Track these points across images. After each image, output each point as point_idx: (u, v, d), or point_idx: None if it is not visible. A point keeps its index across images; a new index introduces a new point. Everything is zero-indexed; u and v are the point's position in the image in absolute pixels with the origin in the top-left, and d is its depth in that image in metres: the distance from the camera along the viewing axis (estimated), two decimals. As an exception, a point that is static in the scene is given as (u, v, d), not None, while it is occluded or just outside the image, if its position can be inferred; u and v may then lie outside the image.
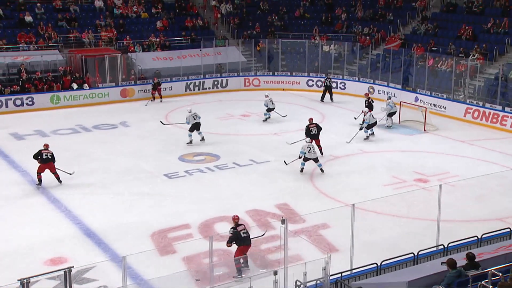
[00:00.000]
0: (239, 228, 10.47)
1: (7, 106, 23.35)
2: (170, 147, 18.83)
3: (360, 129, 19.36)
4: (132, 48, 28.10)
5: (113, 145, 19.11)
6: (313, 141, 17.11)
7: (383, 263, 9.78)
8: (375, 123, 19.47)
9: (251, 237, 10.57)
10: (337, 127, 21.09)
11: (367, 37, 29.42)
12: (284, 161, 16.74)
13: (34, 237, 12.24)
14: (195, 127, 18.84)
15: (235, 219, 10.81)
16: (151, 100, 25.46)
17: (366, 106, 20.61)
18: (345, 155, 18.00)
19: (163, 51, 28.63)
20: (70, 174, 15.62)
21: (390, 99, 21.26)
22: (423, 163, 17.19)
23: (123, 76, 26.55)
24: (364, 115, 19.51)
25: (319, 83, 27.67)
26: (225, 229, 12.60)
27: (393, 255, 10.08)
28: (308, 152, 15.80)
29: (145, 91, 26.36)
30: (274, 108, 22.00)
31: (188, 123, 18.89)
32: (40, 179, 15.04)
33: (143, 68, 27.35)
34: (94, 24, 28.83)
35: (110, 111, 23.96)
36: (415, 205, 13.45)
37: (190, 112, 18.91)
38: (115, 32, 28.63)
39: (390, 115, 20.98)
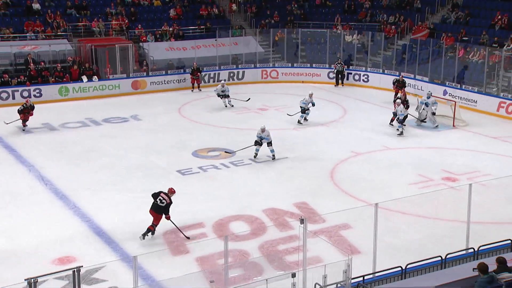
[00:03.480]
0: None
1: (13, 98, 23.61)
2: (184, 142, 18.92)
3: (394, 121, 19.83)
4: (144, 38, 28.24)
5: (123, 140, 19.25)
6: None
7: (408, 266, 9.71)
8: (406, 116, 19.68)
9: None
10: (360, 122, 20.96)
11: (393, 27, 29.18)
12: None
13: (42, 235, 12.37)
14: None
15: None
16: (192, 90, 25.81)
17: (403, 102, 20.35)
18: (367, 152, 17.91)
19: (176, 41, 28.73)
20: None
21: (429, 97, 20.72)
22: (452, 160, 17.03)
23: (135, 67, 26.71)
24: (396, 107, 19.78)
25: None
26: (241, 228, 12.66)
27: (419, 258, 10.01)
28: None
29: (158, 82, 26.51)
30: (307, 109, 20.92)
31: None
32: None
33: (155, 58, 27.47)
34: (105, 13, 29.03)
35: (121, 103, 24.13)
36: (443, 205, 13.33)
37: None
38: (126, 21, 28.80)
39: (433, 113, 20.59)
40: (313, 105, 20.88)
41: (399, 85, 23.69)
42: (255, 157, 17.02)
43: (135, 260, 8.03)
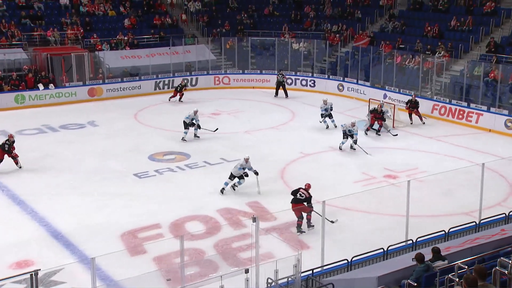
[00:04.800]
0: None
1: (-31, 106, 22.71)
2: (140, 146, 18.64)
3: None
4: (99, 47, 27.68)
5: (81, 145, 18.80)
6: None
7: (353, 259, 9.90)
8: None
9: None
10: (307, 125, 21.19)
11: (336, 35, 29.68)
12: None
13: (-1, 240, 11.94)
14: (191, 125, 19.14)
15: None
16: (177, 99, 25.00)
17: (376, 116, 19.93)
18: (315, 153, 18.12)
19: (131, 50, 28.31)
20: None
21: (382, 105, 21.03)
22: (392, 159, 17.44)
23: (91, 75, 26.14)
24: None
25: (289, 81, 27.81)
26: (196, 228, 12.57)
27: (364, 250, 10.22)
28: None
29: (114, 90, 26.06)
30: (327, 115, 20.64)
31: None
32: None
33: (111, 66, 26.99)
34: (60, 22, 28.29)
35: (78, 110, 23.56)
36: (384, 201, 13.64)
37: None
38: (81, 30, 28.15)
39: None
40: (331, 109, 20.72)
41: (412, 105, 21.27)
42: (234, 189, 14.72)
43: (93, 262, 7.86)
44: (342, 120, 20.80)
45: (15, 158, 16.15)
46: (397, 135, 20.00)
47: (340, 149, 18.11)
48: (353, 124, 17.91)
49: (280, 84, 26.00)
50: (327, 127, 20.75)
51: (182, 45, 28.51)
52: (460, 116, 21.84)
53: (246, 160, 14.38)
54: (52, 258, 11.13)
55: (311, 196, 12.44)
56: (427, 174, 15.37)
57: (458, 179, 14.85)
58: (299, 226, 12.35)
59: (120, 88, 26.34)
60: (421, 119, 21.29)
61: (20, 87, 24.18)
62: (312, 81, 27.89)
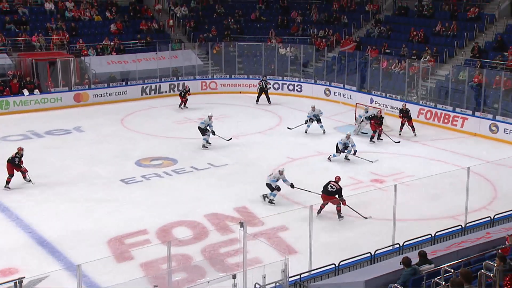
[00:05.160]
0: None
1: (-48, 112, 22.44)
2: (127, 152, 18.55)
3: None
4: (85, 52, 27.52)
5: (67, 151, 18.66)
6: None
7: (341, 263, 9.92)
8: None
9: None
10: (294, 130, 21.23)
11: (323, 40, 29.83)
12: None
13: (-17, 248, 11.79)
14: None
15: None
16: (181, 108, 24.65)
17: (376, 122, 19.87)
18: (302, 157, 18.17)
19: (117, 55, 28.19)
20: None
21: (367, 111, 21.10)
22: (379, 163, 17.52)
23: (77, 81, 25.98)
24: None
25: (276, 86, 27.89)
26: (183, 233, 12.53)
27: (351, 255, 10.24)
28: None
29: (100, 95, 25.93)
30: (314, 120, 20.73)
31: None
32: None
33: (97, 72, 26.84)
34: (45, 27, 28.09)
35: (64, 116, 23.39)
36: (371, 205, 13.70)
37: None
38: (67, 36, 27.96)
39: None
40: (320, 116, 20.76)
41: (404, 114, 20.73)
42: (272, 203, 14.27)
43: (79, 269, 7.80)
44: (330, 125, 21.01)
45: (24, 172, 15.39)
46: (399, 142, 19.74)
47: (329, 159, 17.64)
48: (348, 136, 17.49)
49: (262, 91, 25.75)
50: (306, 131, 20.81)
51: (168, 50, 28.46)
52: (446, 120, 22.04)
53: (281, 172, 14.21)
54: (37, 265, 11.01)
55: (341, 188, 13.28)
56: (414, 178, 15.46)
57: (444, 183, 14.98)
58: (320, 209, 13.20)
59: (107, 93, 26.21)
60: (413, 131, 20.53)
61: (5, 93, 23.96)
62: (299, 86, 27.98)
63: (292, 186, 14.41)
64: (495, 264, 7.70)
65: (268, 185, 14.24)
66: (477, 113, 21.28)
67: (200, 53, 30.20)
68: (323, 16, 31.91)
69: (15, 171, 15.27)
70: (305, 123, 20.82)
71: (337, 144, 17.58)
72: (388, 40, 27.92)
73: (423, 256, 8.75)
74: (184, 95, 24.89)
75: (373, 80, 25.63)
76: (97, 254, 11.30)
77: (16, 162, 15.24)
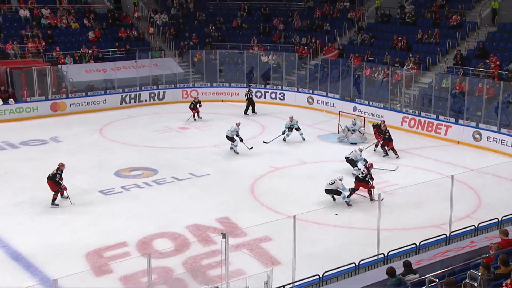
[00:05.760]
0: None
1: None
2: (106, 162, 18.39)
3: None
4: (62, 60, 27.31)
5: (43, 162, 18.39)
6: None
7: (325, 274, 9.92)
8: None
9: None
10: (277, 139, 21.26)
11: (305, 47, 30.03)
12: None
13: (-44, 263, 11.56)
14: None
15: None
16: (194, 119, 24.28)
17: (378, 131, 19.59)
18: (285, 166, 18.20)
19: (96, 63, 28.02)
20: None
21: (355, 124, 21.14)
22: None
23: (53, 89, 25.73)
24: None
25: (259, 94, 27.96)
26: (164, 245, 12.43)
27: (335, 265, 10.25)
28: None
29: (78, 104, 25.72)
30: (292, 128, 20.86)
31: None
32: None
33: (75, 80, 26.62)
34: (20, 35, 27.82)
35: (40, 126, 23.14)
36: (355, 214, 13.75)
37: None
38: (43, 43, 27.74)
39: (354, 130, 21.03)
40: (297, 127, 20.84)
41: (378, 130, 19.66)
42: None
43: (55, 283, 7.68)
44: (313, 133, 21.12)
45: (62, 190, 14.84)
46: (394, 170, 18.05)
47: (353, 174, 16.04)
48: (361, 150, 17.22)
49: (250, 101, 25.72)
50: (284, 139, 20.86)
51: (148, 58, 28.39)
52: (429, 128, 22.28)
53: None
54: (11, 281, 10.84)
55: (369, 173, 14.90)
56: (398, 187, 15.58)
57: (428, 192, 15.10)
58: (370, 194, 14.90)
59: (85, 102, 26.01)
60: (395, 153, 19.04)
61: (-22, 102, 23.64)
62: (282, 94, 28.08)
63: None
64: (480, 273, 7.78)
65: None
66: (460, 121, 21.55)
67: (180, 61, 30.18)
68: (305, 23, 32.14)
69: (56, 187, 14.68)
70: (282, 133, 20.92)
71: (350, 159, 17.13)
72: (371, 47, 28.21)
73: (407, 266, 8.81)
74: (194, 107, 24.50)
75: (356, 88, 25.81)
76: (75, 268, 11.14)
77: (57, 179, 14.68)
